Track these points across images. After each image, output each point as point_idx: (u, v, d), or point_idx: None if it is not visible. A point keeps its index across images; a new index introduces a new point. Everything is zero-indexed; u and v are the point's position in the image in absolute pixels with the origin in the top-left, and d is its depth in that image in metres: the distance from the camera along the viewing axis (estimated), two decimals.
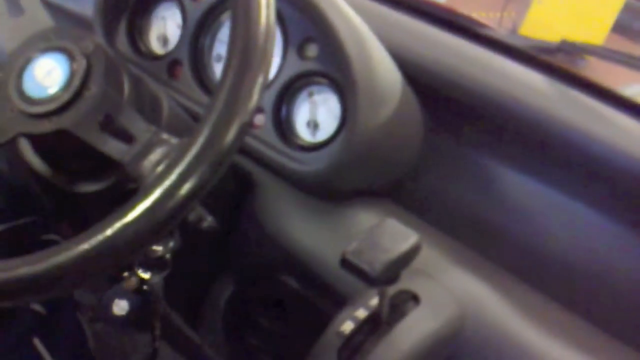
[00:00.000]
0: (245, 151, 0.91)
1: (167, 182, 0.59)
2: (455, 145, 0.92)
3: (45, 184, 0.80)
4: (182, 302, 1.11)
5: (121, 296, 0.90)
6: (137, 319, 0.90)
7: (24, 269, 0.59)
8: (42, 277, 0.58)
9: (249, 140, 0.91)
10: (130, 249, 0.59)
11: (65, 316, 1.15)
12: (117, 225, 0.58)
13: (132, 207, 0.58)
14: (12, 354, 1.05)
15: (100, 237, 0.58)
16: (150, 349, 0.99)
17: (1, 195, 1.03)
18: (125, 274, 0.86)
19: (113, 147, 0.67)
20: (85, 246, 0.58)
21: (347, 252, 0.65)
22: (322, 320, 0.78)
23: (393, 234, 0.66)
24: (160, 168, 0.63)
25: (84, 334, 1.20)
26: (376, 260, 0.63)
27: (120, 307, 0.90)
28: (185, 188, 0.59)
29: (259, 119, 0.92)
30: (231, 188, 0.93)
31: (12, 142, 0.75)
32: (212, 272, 1.08)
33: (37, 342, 1.07)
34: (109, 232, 0.58)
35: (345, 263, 0.65)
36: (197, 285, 1.10)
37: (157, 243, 0.80)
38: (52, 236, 1.05)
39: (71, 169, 0.79)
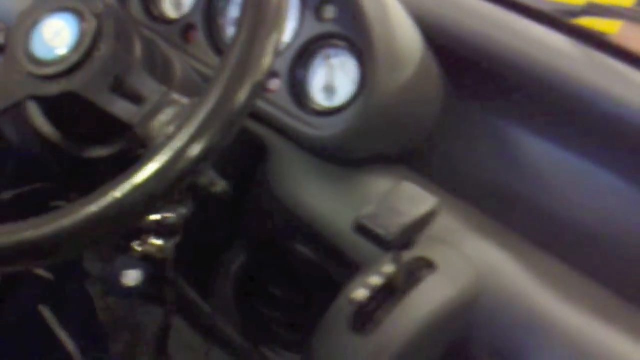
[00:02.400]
0: (259, 116, 0.91)
1: (177, 143, 0.59)
2: (474, 110, 0.91)
3: (54, 149, 0.81)
4: (192, 272, 1.12)
5: (131, 265, 0.90)
6: (148, 288, 0.91)
7: (29, 232, 0.60)
8: (47, 240, 0.59)
9: (263, 104, 0.91)
10: (139, 211, 0.60)
11: (73, 285, 1.17)
12: (125, 186, 0.59)
13: (141, 169, 0.59)
14: (19, 322, 1.08)
15: (108, 199, 0.59)
16: (163, 321, 1.01)
17: (9, 162, 1.04)
18: (135, 241, 0.86)
19: (122, 109, 0.67)
20: (92, 208, 0.59)
21: (361, 216, 0.65)
22: (336, 288, 0.79)
23: (409, 198, 0.66)
24: (169, 128, 0.64)
25: (94, 304, 1.22)
26: (391, 224, 0.64)
27: (131, 276, 0.90)
28: (196, 149, 0.59)
29: (274, 83, 0.92)
30: (244, 153, 0.93)
31: (20, 106, 0.76)
32: (223, 241, 1.09)
33: (44, 309, 1.09)
34: (117, 193, 0.59)
35: (359, 227, 0.65)
36: (208, 254, 1.11)
37: (167, 207, 0.81)
38: (61, 203, 1.05)
39: (80, 133, 0.80)
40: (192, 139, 0.59)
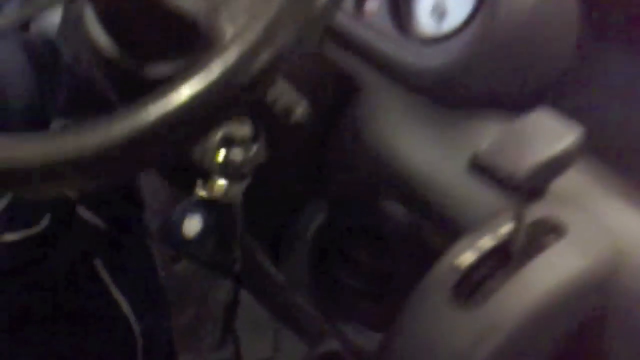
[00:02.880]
0: (352, 43, 0.84)
1: (249, 37, 0.50)
2: (617, 50, 0.81)
3: (112, 67, 0.76)
4: (262, 232, 1.06)
5: (194, 212, 0.85)
6: (213, 239, 0.86)
7: (70, 143, 0.52)
8: (89, 154, 0.51)
9: (358, 29, 0.83)
10: (199, 122, 0.52)
11: (132, 239, 1.13)
12: (183, 91, 0.50)
13: (202, 69, 0.50)
14: (68, 274, 1.03)
15: (163, 106, 0.50)
16: (230, 293, 0.99)
17: (63, 87, 1.00)
18: (199, 183, 0.81)
19: (188, 1, 0.60)
20: (142, 116, 0.50)
21: (480, 152, 0.56)
22: (431, 255, 0.70)
23: (545, 130, 0.57)
24: (242, 18, 0.56)
25: (155, 265, 1.17)
26: (521, 161, 0.54)
27: (192, 226, 0.85)
28: (271, 47, 0.50)
29: (372, 5, 0.84)
30: (332, 88, 0.86)
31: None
32: (301, 195, 1.02)
33: (97, 263, 1.04)
34: (174, 98, 0.50)
35: (475, 166, 0.56)
36: (283, 212, 1.04)
37: (238, 144, 0.75)
38: None
39: (141, 46, 0.75)
40: (267, 35, 0.51)
